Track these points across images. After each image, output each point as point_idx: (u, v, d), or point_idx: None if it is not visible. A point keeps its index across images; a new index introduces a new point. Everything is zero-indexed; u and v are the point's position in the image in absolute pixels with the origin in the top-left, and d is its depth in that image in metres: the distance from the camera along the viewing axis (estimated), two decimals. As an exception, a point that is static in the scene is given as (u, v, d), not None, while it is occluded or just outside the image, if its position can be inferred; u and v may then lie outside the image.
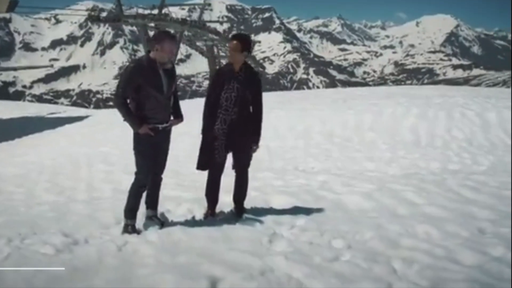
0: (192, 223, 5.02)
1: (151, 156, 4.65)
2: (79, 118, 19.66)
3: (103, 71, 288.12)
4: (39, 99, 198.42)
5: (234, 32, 5.94)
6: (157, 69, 4.52)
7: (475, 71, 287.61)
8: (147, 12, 33.32)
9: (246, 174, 5.12)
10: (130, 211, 4.74)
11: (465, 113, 12.37)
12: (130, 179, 8.63)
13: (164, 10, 32.20)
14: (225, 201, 5.45)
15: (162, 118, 4.64)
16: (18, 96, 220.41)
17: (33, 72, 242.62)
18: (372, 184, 6.97)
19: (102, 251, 4.04)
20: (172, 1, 35.77)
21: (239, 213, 5.24)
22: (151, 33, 34.71)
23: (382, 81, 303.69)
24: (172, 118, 4.80)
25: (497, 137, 10.97)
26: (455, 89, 21.03)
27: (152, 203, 4.97)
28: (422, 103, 13.77)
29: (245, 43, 4.83)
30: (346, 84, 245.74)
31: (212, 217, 5.23)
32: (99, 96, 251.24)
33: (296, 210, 5.50)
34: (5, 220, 5.84)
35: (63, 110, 26.43)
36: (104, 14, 42.09)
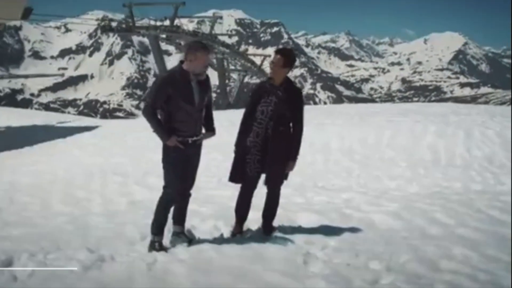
0: (220, 240, 4.85)
1: (180, 170, 4.48)
2: (89, 128, 19.59)
3: (111, 82, 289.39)
4: (46, 107, 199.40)
5: (281, 46, 5.92)
6: (189, 81, 4.39)
7: (483, 89, 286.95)
8: (159, 23, 33.48)
9: (278, 191, 4.96)
10: (157, 227, 4.58)
11: (484, 131, 12.18)
12: (144, 191, 8.69)
13: (176, 22, 32.30)
14: (251, 218, 5.29)
15: (192, 131, 4.49)
16: (26, 104, 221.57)
17: (41, 81, 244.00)
18: (397, 203, 6.81)
19: (132, 269, 3.88)
20: (182, 14, 35.99)
21: (267, 231, 5.08)
22: (162, 44, 34.95)
23: (389, 97, 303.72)
24: (203, 131, 4.65)
25: (518, 156, 10.76)
26: (468, 107, 20.86)
27: (180, 219, 4.80)
28: (439, 121, 13.62)
29: (288, 58, 4.69)
30: (353, 100, 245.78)
31: (240, 235, 5.06)
32: (106, 106, 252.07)
33: (325, 229, 5.33)
34: (23, 232, 5.73)
35: (72, 119, 26.37)
36: (114, 24, 42.41)
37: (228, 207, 6.50)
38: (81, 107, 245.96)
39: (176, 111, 4.39)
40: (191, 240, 4.75)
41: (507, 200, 6.93)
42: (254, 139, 4.75)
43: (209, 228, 5.44)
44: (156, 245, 4.53)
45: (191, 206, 6.47)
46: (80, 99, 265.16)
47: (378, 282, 3.73)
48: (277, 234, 5.03)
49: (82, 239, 4.91)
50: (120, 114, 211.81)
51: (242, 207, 5.03)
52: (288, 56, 4.75)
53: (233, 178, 4.86)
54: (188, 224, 5.33)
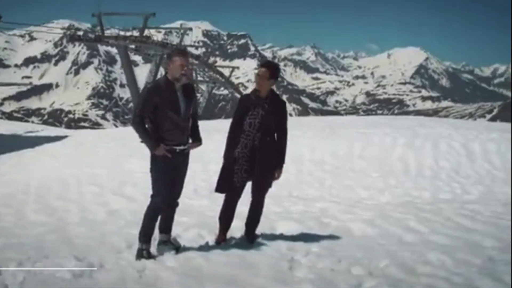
0: (206, 248, 4.95)
1: (168, 179, 4.57)
2: (59, 138, 19.26)
3: (76, 91, 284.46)
4: (9, 116, 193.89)
5: (267, 60, 5.99)
6: (174, 90, 4.50)
7: (444, 103, 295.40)
8: (128, 33, 33.28)
9: (262, 200, 5.12)
10: (145, 235, 4.64)
11: (450, 143, 12.67)
12: (122, 201, 8.70)
13: (145, 33, 32.16)
14: (234, 226, 5.42)
15: (179, 140, 4.58)
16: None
17: (4, 89, 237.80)
18: (372, 211, 7.07)
19: (123, 276, 3.95)
20: (150, 24, 35.89)
21: (250, 238, 5.21)
22: (130, 55, 34.69)
23: (354, 110, 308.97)
24: (190, 141, 4.77)
25: (482, 167, 11.25)
26: (434, 120, 21.54)
27: (166, 228, 4.88)
28: (407, 133, 14.05)
29: (273, 71, 4.88)
30: (318, 112, 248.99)
31: (224, 243, 5.17)
32: (71, 116, 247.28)
33: (305, 237, 5.52)
34: (4, 243, 5.67)
35: (41, 129, 25.86)
36: (80, 33, 41.80)
37: (208, 216, 6.65)
38: (46, 117, 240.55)
39: (163, 120, 4.49)
40: (177, 248, 4.83)
41: (474, 209, 7.30)
42: (242, 150, 4.90)
43: (193, 237, 5.52)
44: (144, 253, 4.59)
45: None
46: (45, 109, 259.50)
47: (362, 286, 3.91)
48: (261, 241, 5.16)
49: (68, 248, 4.93)
50: (86, 124, 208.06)
51: (227, 215, 5.16)
52: (273, 68, 4.95)
53: (220, 188, 4.99)
54: (172, 233, 5.43)
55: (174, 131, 4.54)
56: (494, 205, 7.70)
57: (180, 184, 4.76)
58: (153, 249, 4.79)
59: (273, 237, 5.43)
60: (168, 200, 4.67)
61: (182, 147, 4.61)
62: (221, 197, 5.25)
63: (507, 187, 9.62)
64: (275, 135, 5.00)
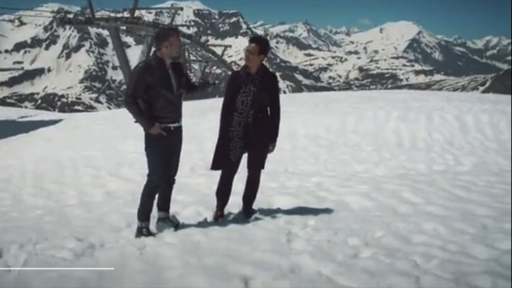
0: (205, 224, 5.03)
1: (164, 157, 4.62)
2: (53, 122, 19.23)
3: (68, 75, 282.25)
4: (2, 102, 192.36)
5: (256, 35, 5.98)
6: (166, 69, 4.54)
7: (436, 77, 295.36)
8: (119, 15, 32.96)
9: (258, 174, 5.17)
10: (144, 213, 4.71)
11: (443, 116, 12.72)
12: (119, 182, 8.74)
13: (136, 13, 31.84)
14: (231, 203, 5.48)
15: (174, 118, 4.63)
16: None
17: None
18: (367, 184, 7.13)
19: (124, 254, 4.00)
20: (140, 5, 35.47)
21: (248, 213, 5.28)
22: (122, 36, 34.38)
23: (347, 86, 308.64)
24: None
25: (475, 139, 11.32)
26: (427, 93, 21.59)
27: (165, 205, 4.94)
28: (401, 106, 14.09)
29: (263, 46, 4.87)
30: (312, 88, 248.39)
31: (222, 219, 5.24)
32: (64, 100, 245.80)
33: (302, 210, 5.58)
34: (3, 226, 5.70)
35: (35, 113, 25.76)
36: (70, 16, 41.32)
37: (205, 194, 6.71)
38: (39, 101, 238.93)
39: (157, 99, 4.52)
40: (177, 225, 4.90)
41: (467, 179, 7.40)
42: (236, 128, 4.94)
43: (191, 214, 5.58)
44: (144, 231, 4.66)
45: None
46: (37, 93, 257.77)
47: (358, 256, 3.98)
48: (258, 216, 5.23)
49: (67, 229, 4.96)
50: (79, 108, 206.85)
51: (224, 191, 5.22)
52: (263, 43, 4.94)
53: (216, 165, 5.04)
54: (170, 211, 5.49)
55: (168, 109, 4.57)
56: (487, 175, 7.79)
57: (176, 161, 4.82)
58: (152, 226, 4.86)
59: (270, 211, 5.49)
60: (165, 178, 4.71)
61: (176, 125, 4.66)
62: (217, 175, 5.31)
63: (499, 157, 9.73)
64: (268, 110, 5.03)
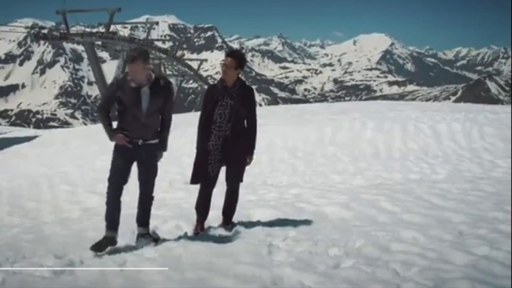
0: (185, 238, 5.00)
1: (119, 168, 4.66)
2: (28, 138, 18.92)
3: (43, 91, 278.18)
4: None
5: (233, 49, 6.00)
6: (137, 87, 4.53)
7: (410, 87, 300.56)
8: (94, 30, 32.80)
9: (237, 187, 5.19)
10: (106, 220, 4.72)
11: (418, 125, 12.95)
12: (96, 198, 8.62)
13: (112, 28, 31.70)
14: (211, 217, 5.48)
15: (138, 134, 4.63)
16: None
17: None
18: (345, 195, 7.19)
19: (105, 271, 3.96)
20: (115, 20, 35.31)
21: (228, 227, 5.28)
22: (98, 51, 34.17)
23: (322, 97, 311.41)
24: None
25: (449, 147, 11.55)
26: (401, 104, 21.96)
27: (142, 221, 4.90)
28: (376, 117, 14.30)
29: (239, 60, 4.92)
30: (288, 101, 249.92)
31: (202, 232, 5.23)
32: (39, 116, 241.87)
33: (282, 222, 5.59)
34: (-22, 245, 5.58)
35: (9, 130, 25.34)
36: (45, 31, 40.90)
37: (184, 208, 6.68)
38: (13, 118, 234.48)
39: (125, 113, 4.60)
40: (156, 240, 4.87)
41: (443, 187, 7.52)
42: (216, 142, 4.95)
43: (171, 228, 5.56)
44: (104, 241, 4.65)
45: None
46: (12, 110, 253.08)
47: (339, 266, 4.02)
48: (238, 229, 5.22)
49: (45, 247, 4.89)
50: (55, 124, 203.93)
51: (203, 205, 5.21)
52: (239, 58, 5.00)
53: (195, 180, 5.04)
54: (150, 226, 5.45)
55: (134, 125, 4.60)
56: (461, 183, 7.94)
57: (144, 177, 4.80)
58: (132, 242, 4.83)
59: (250, 224, 5.49)
60: (117, 187, 4.71)
61: (146, 142, 4.67)
62: (196, 189, 5.31)
63: (472, 164, 9.92)
64: (245, 122, 5.07)
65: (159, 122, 4.77)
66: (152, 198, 4.91)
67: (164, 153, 4.93)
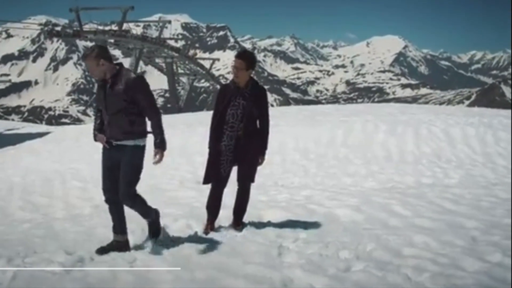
0: (195, 237, 4.99)
1: (104, 169, 4.63)
2: (40, 135, 19.06)
3: (55, 88, 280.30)
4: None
5: (242, 50, 5.95)
6: (104, 84, 4.42)
7: (423, 90, 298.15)
8: (107, 28, 33.01)
9: (249, 187, 5.17)
10: (113, 226, 4.69)
11: (431, 129, 12.86)
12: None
13: (124, 26, 31.87)
14: (221, 216, 5.47)
15: (109, 134, 4.44)
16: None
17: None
18: (356, 198, 7.15)
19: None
20: (128, 18, 35.48)
21: (239, 227, 5.26)
22: (110, 49, 34.35)
23: (334, 99, 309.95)
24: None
25: (462, 152, 11.46)
26: (414, 107, 21.84)
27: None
28: (389, 120, 14.23)
29: (249, 61, 4.89)
30: (299, 102, 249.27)
31: (212, 232, 5.22)
32: (51, 112, 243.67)
33: (293, 224, 5.58)
34: (-10, 240, 5.62)
35: (22, 126, 25.56)
36: (58, 29, 41.26)
37: (195, 207, 6.68)
38: (26, 114, 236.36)
39: (101, 114, 4.59)
40: (167, 238, 4.86)
41: (455, 192, 7.45)
42: (228, 142, 4.94)
43: (182, 227, 5.54)
44: (114, 244, 4.60)
45: (159, 207, 6.60)
46: (24, 106, 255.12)
47: (350, 269, 4.00)
48: (249, 230, 5.22)
49: (56, 243, 4.91)
50: (67, 120, 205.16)
51: (214, 205, 5.20)
52: (249, 58, 4.96)
53: (207, 180, 5.04)
54: (161, 224, 5.45)
55: (105, 125, 4.48)
56: (474, 188, 7.87)
57: (121, 178, 4.48)
58: (141, 240, 4.83)
59: (261, 225, 5.48)
60: (104, 191, 4.68)
61: (119, 142, 4.43)
62: (207, 188, 5.28)
63: (486, 170, 9.83)
64: (257, 123, 5.05)
65: (128, 122, 4.37)
66: (126, 198, 4.56)
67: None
